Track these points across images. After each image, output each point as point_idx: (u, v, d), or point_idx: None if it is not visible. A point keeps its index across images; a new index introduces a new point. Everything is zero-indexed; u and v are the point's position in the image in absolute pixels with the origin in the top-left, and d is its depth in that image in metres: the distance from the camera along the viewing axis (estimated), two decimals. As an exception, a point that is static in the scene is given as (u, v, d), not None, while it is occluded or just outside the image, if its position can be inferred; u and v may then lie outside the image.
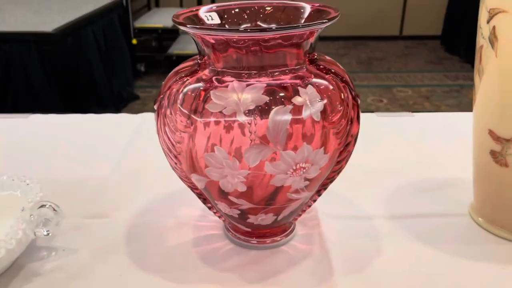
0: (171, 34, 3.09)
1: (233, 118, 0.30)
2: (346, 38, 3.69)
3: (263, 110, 0.30)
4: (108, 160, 0.54)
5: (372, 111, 0.71)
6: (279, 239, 0.40)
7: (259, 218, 0.36)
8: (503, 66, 0.35)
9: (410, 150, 0.57)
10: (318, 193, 0.38)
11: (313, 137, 0.31)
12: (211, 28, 0.34)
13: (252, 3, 0.38)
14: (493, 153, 0.39)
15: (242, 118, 0.30)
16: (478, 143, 0.40)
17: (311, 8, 0.37)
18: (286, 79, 0.32)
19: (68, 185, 0.48)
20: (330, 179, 0.37)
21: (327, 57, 0.37)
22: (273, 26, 0.38)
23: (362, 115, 0.69)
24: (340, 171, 0.37)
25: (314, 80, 0.32)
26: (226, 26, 0.38)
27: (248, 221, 0.37)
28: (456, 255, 0.40)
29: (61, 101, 1.99)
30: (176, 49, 3.00)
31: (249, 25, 0.38)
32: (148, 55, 3.04)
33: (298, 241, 0.41)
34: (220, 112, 0.31)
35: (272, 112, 0.30)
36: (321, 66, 0.34)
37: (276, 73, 0.32)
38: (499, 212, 0.41)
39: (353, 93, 0.34)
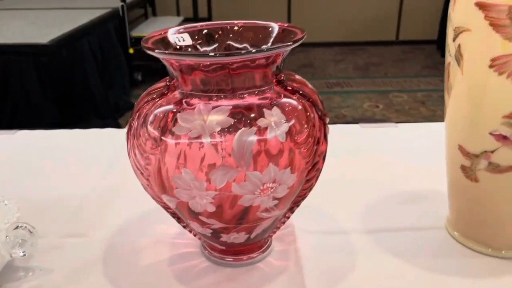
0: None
1: (199, 140, 0.31)
2: (343, 44, 3.71)
3: (228, 132, 0.31)
4: (90, 177, 0.54)
5: (368, 117, 0.72)
6: (255, 255, 0.41)
7: (232, 236, 0.37)
8: (468, 84, 0.36)
9: (391, 162, 0.58)
10: (291, 210, 0.38)
11: (279, 157, 0.32)
12: (177, 53, 0.35)
13: (223, 23, 0.39)
14: (463, 168, 0.39)
15: (207, 140, 0.31)
16: (449, 158, 0.41)
17: (279, 28, 0.37)
18: (252, 101, 0.32)
19: (48, 203, 0.49)
20: (301, 197, 0.37)
21: (297, 77, 0.38)
22: (242, 48, 0.38)
23: (346, 126, 0.71)
24: (311, 189, 0.37)
25: (280, 101, 0.33)
26: (198, 46, 0.38)
27: (221, 240, 0.37)
28: (430, 270, 0.40)
29: (59, 112, 2.01)
30: (173, 57, 3.02)
31: (217, 45, 0.38)
32: (145, 64, 3.06)
33: (274, 257, 0.41)
34: (187, 134, 0.31)
35: (237, 134, 0.31)
36: (288, 87, 0.34)
37: (243, 95, 0.32)
38: (472, 226, 0.42)
39: (319, 113, 0.34)
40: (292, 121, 0.32)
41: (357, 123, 0.71)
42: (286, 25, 0.38)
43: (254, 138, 0.31)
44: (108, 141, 0.64)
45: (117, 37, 2.62)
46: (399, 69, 3.16)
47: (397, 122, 0.70)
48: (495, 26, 0.32)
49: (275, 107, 0.32)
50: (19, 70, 1.90)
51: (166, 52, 0.32)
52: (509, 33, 0.32)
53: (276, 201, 0.34)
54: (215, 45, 0.39)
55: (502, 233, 0.40)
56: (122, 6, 2.64)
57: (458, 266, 0.40)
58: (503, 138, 0.35)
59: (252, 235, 0.37)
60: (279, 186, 0.33)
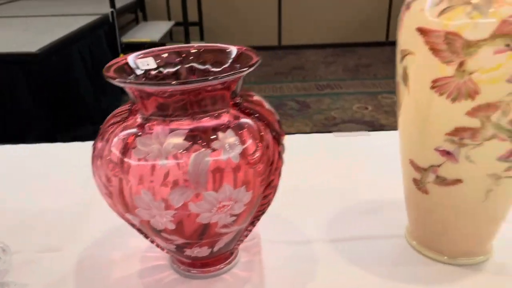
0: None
1: (157, 162, 0.33)
2: (334, 46, 3.73)
3: (184, 155, 0.33)
4: (65, 192, 0.56)
5: (357, 119, 0.74)
6: (222, 266, 0.43)
7: (195, 251, 0.39)
8: (414, 103, 0.38)
9: (359, 171, 0.60)
10: (252, 223, 0.40)
11: (234, 177, 0.34)
12: (136, 82, 0.37)
13: (183, 46, 0.41)
14: (415, 181, 0.41)
15: (164, 163, 0.33)
16: (403, 171, 0.43)
17: (237, 51, 0.40)
18: (209, 124, 0.34)
19: (23, 218, 0.51)
20: (260, 211, 0.39)
21: (255, 97, 0.40)
22: (204, 70, 0.40)
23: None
24: (269, 204, 0.39)
25: (236, 123, 0.35)
26: (161, 69, 0.40)
27: (186, 254, 0.39)
28: (390, 278, 0.42)
29: (51, 121, 2.02)
30: (164, 62, 3.04)
31: (180, 66, 0.40)
32: (137, 69, 3.07)
33: (240, 268, 0.43)
34: (146, 157, 0.33)
35: (193, 156, 0.33)
36: (244, 109, 0.37)
37: (200, 118, 0.34)
38: (428, 235, 0.44)
39: (274, 133, 0.37)
40: (247, 143, 0.34)
41: (346, 123, 0.73)
42: (244, 48, 0.40)
43: (209, 159, 0.33)
44: (83, 155, 0.66)
45: (107, 43, 2.64)
46: (389, 71, 3.18)
47: (385, 124, 0.72)
48: (434, 50, 0.34)
49: (229, 130, 0.34)
50: (9, 79, 1.91)
51: (126, 81, 0.34)
52: (446, 57, 0.34)
53: (234, 217, 0.36)
54: (178, 67, 0.41)
55: (455, 242, 0.43)
56: (112, 12, 2.66)
57: (416, 274, 0.42)
58: (447, 153, 0.37)
59: (215, 249, 0.39)
60: (235, 204, 0.35)
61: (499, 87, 0.33)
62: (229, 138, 0.34)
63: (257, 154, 0.35)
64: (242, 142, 0.34)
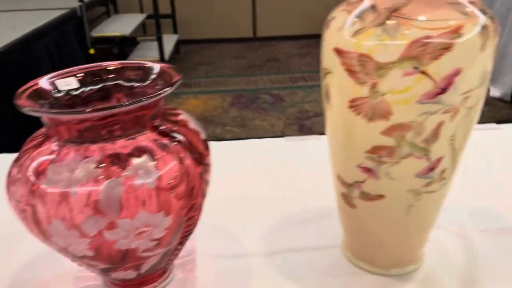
0: (131, 41, 3.07)
1: (69, 190, 0.32)
2: (308, 37, 3.73)
3: (96, 182, 0.32)
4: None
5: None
6: (156, 285, 0.42)
7: (120, 274, 0.38)
8: (336, 121, 0.38)
9: (305, 177, 0.60)
10: (181, 243, 0.40)
11: (150, 203, 0.33)
12: (47, 111, 0.36)
13: (100, 65, 0.40)
14: (343, 195, 0.41)
15: (75, 191, 0.32)
16: (334, 185, 0.43)
17: (160, 68, 0.39)
18: (123, 149, 0.34)
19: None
20: (187, 232, 0.39)
21: (181, 117, 0.39)
22: (127, 86, 0.40)
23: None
24: (195, 224, 0.39)
25: (153, 147, 0.34)
26: (82, 89, 0.39)
27: (112, 277, 0.39)
28: None
29: (19, 122, 1.97)
30: (136, 56, 2.99)
31: (101, 85, 0.40)
32: (108, 64, 3.01)
33: (174, 286, 0.43)
34: (57, 185, 0.32)
35: (104, 184, 0.32)
36: (165, 131, 0.36)
37: (115, 143, 0.34)
38: (360, 247, 0.44)
39: (195, 155, 0.36)
40: (165, 168, 0.34)
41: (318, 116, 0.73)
42: (166, 66, 0.39)
43: (121, 187, 0.32)
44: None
45: (76, 38, 2.58)
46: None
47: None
48: (349, 71, 0.34)
49: (145, 155, 0.34)
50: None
51: (36, 110, 0.33)
52: (361, 78, 0.34)
53: (156, 242, 0.36)
54: (102, 85, 0.40)
55: (385, 253, 0.43)
56: (80, 6, 2.60)
57: (350, 286, 0.43)
58: (368, 170, 0.37)
59: (142, 271, 0.39)
60: (154, 229, 0.34)
61: (410, 108, 0.33)
62: (144, 163, 0.33)
63: (176, 179, 0.34)
64: (159, 167, 0.34)
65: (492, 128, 0.71)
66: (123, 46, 3.13)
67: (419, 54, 0.31)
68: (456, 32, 0.31)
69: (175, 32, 3.54)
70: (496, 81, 2.35)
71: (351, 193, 0.40)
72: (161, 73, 0.39)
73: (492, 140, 0.69)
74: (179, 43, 3.46)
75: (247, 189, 0.58)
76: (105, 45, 3.00)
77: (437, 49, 0.31)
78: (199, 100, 2.63)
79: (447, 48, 0.31)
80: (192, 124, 0.39)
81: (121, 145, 0.34)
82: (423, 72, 0.32)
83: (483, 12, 0.33)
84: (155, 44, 2.88)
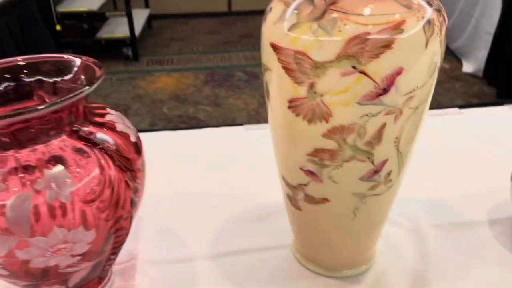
0: (99, 16, 2.95)
1: (-27, 209, 0.29)
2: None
3: (2, 198, 0.29)
4: None
5: None
6: (95, 292, 0.40)
7: (45, 287, 0.35)
8: (277, 121, 0.35)
9: (258, 170, 0.57)
10: (113, 253, 0.37)
11: (66, 218, 0.30)
12: None
13: (10, 60, 0.36)
14: (289, 197, 0.39)
15: (-20, 210, 0.29)
16: (281, 186, 0.41)
17: (81, 62, 0.35)
18: (33, 159, 0.30)
19: None
20: (118, 243, 0.36)
21: (108, 118, 0.36)
22: (44, 82, 0.36)
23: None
24: (127, 233, 0.36)
25: (68, 155, 0.31)
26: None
27: (38, 291, 0.36)
28: None
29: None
30: (105, 32, 2.88)
31: (15, 83, 0.36)
32: (76, 40, 2.91)
33: (111, 295, 0.41)
34: (-41, 203, 0.29)
35: (11, 200, 0.29)
36: (85, 136, 0.33)
37: (24, 152, 0.30)
38: (308, 248, 0.42)
39: (119, 162, 0.33)
40: (83, 180, 0.31)
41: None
42: (91, 60, 0.36)
43: (30, 203, 0.29)
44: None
45: (41, 14, 2.46)
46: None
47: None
48: (286, 69, 0.31)
49: (59, 165, 0.30)
50: None
51: None
52: (298, 77, 0.31)
53: (80, 257, 0.33)
54: (16, 82, 0.36)
55: (333, 255, 0.41)
56: (43, -21, 2.47)
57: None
58: (311, 173, 0.35)
59: (71, 285, 0.36)
60: (74, 245, 0.31)
61: (351, 109, 0.30)
62: (58, 174, 0.30)
63: (96, 190, 0.31)
64: (76, 177, 0.30)
65: (454, 113, 0.70)
66: (91, 22, 3.01)
67: (357, 52, 0.28)
68: (398, 27, 0.28)
69: (146, 6, 3.42)
70: (468, 57, 2.35)
71: (296, 196, 0.38)
72: (83, 68, 0.36)
73: (454, 126, 0.67)
74: (151, 18, 3.34)
75: (196, 185, 0.55)
76: (72, 21, 2.88)
77: (377, 47, 0.28)
78: (172, 78, 2.56)
79: (387, 45, 0.28)
80: (121, 125, 0.36)
81: (31, 154, 0.30)
82: (362, 72, 0.29)
83: (429, 3, 0.30)
84: (125, 19, 2.78)
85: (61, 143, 0.32)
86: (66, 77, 0.36)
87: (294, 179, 0.37)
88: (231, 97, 2.31)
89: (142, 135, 0.66)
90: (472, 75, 2.31)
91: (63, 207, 0.30)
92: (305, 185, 0.36)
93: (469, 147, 0.62)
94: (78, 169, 0.31)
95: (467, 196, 0.52)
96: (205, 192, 0.54)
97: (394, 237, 0.46)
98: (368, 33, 0.28)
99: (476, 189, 0.53)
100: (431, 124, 0.68)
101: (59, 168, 0.30)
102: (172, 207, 0.51)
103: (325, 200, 0.36)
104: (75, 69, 0.36)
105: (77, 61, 0.36)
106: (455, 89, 2.20)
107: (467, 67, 2.34)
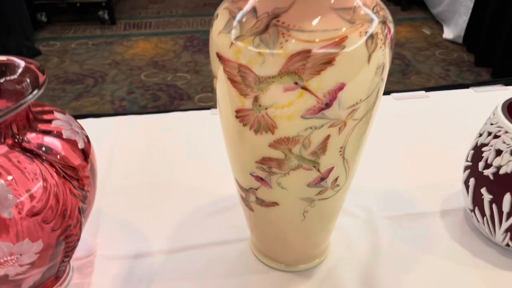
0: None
1: None
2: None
3: None
4: None
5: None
6: (54, 289, 0.41)
7: (-1, 293, 0.36)
8: (226, 128, 0.35)
9: (219, 163, 0.58)
10: (66, 256, 0.38)
11: (10, 233, 0.30)
12: None
13: None
14: (242, 198, 0.40)
15: None
16: (236, 187, 0.41)
17: (24, 64, 0.34)
18: (-25, 174, 0.30)
19: None
20: (70, 247, 0.37)
21: (55, 122, 0.35)
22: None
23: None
24: (78, 238, 0.37)
25: (9, 168, 0.31)
26: None
27: (-8, 295, 0.37)
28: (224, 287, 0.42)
29: None
30: (80, -6, 2.77)
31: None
32: (49, 2, 2.79)
33: (69, 292, 0.41)
34: None
35: (-49, 219, 0.29)
36: (27, 147, 0.32)
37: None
38: (263, 245, 0.44)
39: (64, 172, 0.33)
40: (26, 193, 0.31)
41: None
42: (35, 65, 0.34)
43: (-29, 221, 0.29)
44: None
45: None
46: None
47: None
48: (231, 81, 0.31)
49: (0, 181, 0.30)
50: None
51: None
52: (243, 90, 0.31)
53: (28, 266, 0.33)
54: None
55: (287, 252, 0.43)
56: None
57: (256, 283, 0.42)
58: (260, 179, 0.35)
59: (25, 287, 0.37)
60: (21, 256, 0.32)
61: (295, 122, 0.30)
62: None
63: (40, 203, 0.31)
64: (18, 192, 0.30)
65: (420, 97, 0.70)
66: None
67: (299, 69, 0.28)
68: (339, 44, 0.28)
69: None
70: (449, 22, 2.33)
71: (248, 198, 0.38)
72: (26, 71, 0.34)
73: (419, 110, 0.68)
74: (127, -22, 3.21)
75: (158, 175, 0.55)
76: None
77: (318, 63, 0.28)
78: (150, 43, 2.50)
79: (328, 62, 0.28)
80: (68, 131, 0.35)
81: (-26, 169, 0.30)
82: (305, 88, 0.29)
83: (376, 15, 0.30)
84: (100, -20, 2.66)
85: (2, 156, 0.31)
86: (9, 78, 0.35)
87: (245, 183, 0.37)
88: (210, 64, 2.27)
89: (104, 121, 0.66)
90: (452, 42, 2.31)
91: (6, 222, 0.30)
92: (256, 189, 0.37)
93: (430, 133, 0.63)
94: (21, 183, 0.31)
95: (423, 186, 0.53)
96: (166, 182, 0.54)
97: (348, 228, 0.48)
98: (309, 50, 0.28)
99: (433, 178, 0.54)
100: (397, 108, 0.69)
101: (1, 183, 0.30)
102: (132, 198, 0.52)
103: (275, 203, 0.37)
104: (19, 71, 0.35)
105: (21, 63, 0.35)
106: (435, 56, 2.20)
107: (448, 33, 2.33)
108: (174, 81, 2.12)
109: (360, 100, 0.31)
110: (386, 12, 0.31)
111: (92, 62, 2.27)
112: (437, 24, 2.49)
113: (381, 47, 0.30)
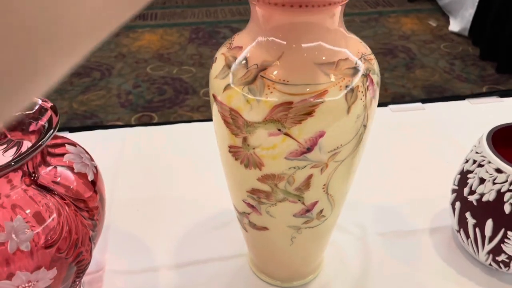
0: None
1: None
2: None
3: (-32, 250, 0.32)
4: None
5: None
6: (64, 304, 0.44)
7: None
8: (222, 158, 0.38)
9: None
10: (77, 277, 0.41)
11: (28, 264, 0.34)
12: None
13: None
14: (238, 219, 0.43)
15: None
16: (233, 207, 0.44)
17: (40, 103, 0.37)
18: (-5, 211, 0.33)
19: None
20: (81, 270, 0.40)
21: (66, 158, 0.38)
22: None
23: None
24: (89, 261, 0.40)
25: (25, 205, 0.34)
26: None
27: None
28: None
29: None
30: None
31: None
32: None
33: (80, 306, 0.45)
34: None
35: (-25, 253, 0.32)
36: (42, 183, 0.35)
37: (-12, 203, 0.33)
38: (258, 261, 0.47)
39: (75, 204, 0.36)
40: (40, 227, 0.34)
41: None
42: (48, 104, 0.37)
43: (-8, 255, 0.32)
44: None
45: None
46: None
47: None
48: (224, 121, 0.34)
49: (18, 217, 0.33)
50: None
51: None
52: (233, 130, 0.33)
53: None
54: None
55: (281, 270, 0.46)
56: None
57: None
58: (251, 206, 0.38)
59: (40, 305, 0.40)
60: (37, 283, 0.35)
61: (279, 162, 0.33)
62: (16, 226, 0.33)
63: (55, 235, 0.34)
64: (34, 226, 0.33)
65: (417, 109, 0.72)
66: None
67: (281, 118, 0.31)
68: (319, 97, 0.30)
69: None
70: (456, 14, 2.32)
71: (242, 220, 0.41)
72: (41, 109, 0.37)
73: (414, 123, 0.70)
74: (133, -32, 3.21)
75: (164, 189, 0.58)
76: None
77: (299, 114, 0.30)
78: (155, 34, 2.51)
79: (308, 113, 0.30)
80: (79, 164, 0.38)
81: (-7, 205, 0.33)
82: (287, 134, 0.31)
83: (359, 67, 0.32)
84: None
85: (19, 192, 0.34)
86: (27, 112, 0.38)
87: (239, 207, 0.40)
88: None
89: (108, 133, 0.68)
90: (458, 34, 2.30)
91: (24, 254, 0.33)
92: (248, 214, 0.39)
93: (425, 146, 0.65)
94: (36, 217, 0.34)
95: (415, 201, 0.56)
96: (170, 195, 0.57)
97: (342, 244, 0.51)
98: (291, 102, 0.30)
99: (424, 194, 0.57)
100: (393, 120, 0.71)
101: (18, 219, 0.33)
102: (138, 213, 0.55)
103: (265, 228, 0.40)
104: (36, 107, 0.38)
105: (38, 101, 0.37)
106: (440, 50, 2.19)
107: (454, 25, 2.32)
108: (179, 74, 2.14)
109: (341, 145, 0.33)
110: (371, 63, 0.33)
111: (99, 54, 2.29)
112: (444, 16, 2.47)
113: (361, 99, 0.32)
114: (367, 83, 0.32)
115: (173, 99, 1.96)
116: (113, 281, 0.47)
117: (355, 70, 0.32)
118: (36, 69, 0.11)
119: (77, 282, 0.42)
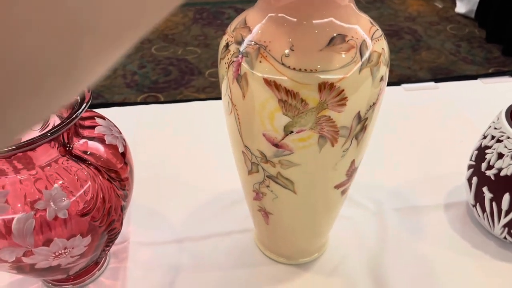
0: None
1: (-18, 225, 0.33)
2: None
3: (7, 216, 0.33)
4: None
5: None
6: (91, 275, 0.45)
7: (50, 277, 0.41)
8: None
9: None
10: (107, 246, 0.42)
11: (65, 230, 0.35)
12: None
13: None
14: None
15: (-12, 226, 0.33)
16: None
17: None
18: (30, 182, 0.34)
19: None
20: (111, 239, 0.41)
21: (97, 129, 0.39)
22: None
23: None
24: (119, 231, 0.41)
25: (63, 175, 0.35)
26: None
27: (45, 279, 0.41)
28: (231, 278, 0.46)
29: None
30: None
31: None
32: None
33: (106, 276, 0.46)
34: (-31, 220, 0.33)
35: (15, 220, 0.33)
36: (76, 154, 0.36)
37: (22, 175, 0.34)
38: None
39: (108, 174, 0.37)
40: (76, 195, 0.35)
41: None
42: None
43: (32, 222, 0.33)
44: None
45: None
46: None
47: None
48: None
49: (55, 186, 0.34)
50: None
51: None
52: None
53: (77, 257, 0.38)
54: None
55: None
56: None
57: (259, 274, 0.46)
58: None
59: (71, 272, 0.42)
60: (72, 249, 0.36)
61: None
62: (54, 195, 0.34)
63: (90, 203, 0.35)
64: (70, 195, 0.34)
65: (430, 88, 0.73)
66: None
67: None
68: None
69: None
70: (463, -4, 2.30)
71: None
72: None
73: (428, 102, 0.70)
74: None
75: (182, 164, 0.59)
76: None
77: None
78: (159, 15, 2.49)
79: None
80: (110, 137, 0.39)
81: (30, 177, 0.34)
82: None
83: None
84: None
85: (56, 163, 0.35)
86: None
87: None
88: (220, 38, 2.27)
89: (129, 110, 0.69)
90: (464, 16, 2.28)
91: (61, 221, 0.34)
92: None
93: (438, 125, 0.66)
94: (72, 187, 0.35)
95: (430, 178, 0.57)
96: (190, 171, 0.58)
97: (358, 219, 0.52)
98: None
99: (439, 171, 0.58)
100: (406, 99, 0.71)
101: (56, 188, 0.34)
102: (159, 188, 0.56)
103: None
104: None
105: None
106: (446, 31, 2.18)
107: (460, 7, 2.31)
108: (184, 55, 2.13)
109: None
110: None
111: (103, 35, 2.27)
112: (450, -3, 2.45)
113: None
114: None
115: (178, 79, 1.96)
116: (138, 251, 0.48)
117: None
118: (81, 61, 0.11)
119: (106, 252, 0.43)
